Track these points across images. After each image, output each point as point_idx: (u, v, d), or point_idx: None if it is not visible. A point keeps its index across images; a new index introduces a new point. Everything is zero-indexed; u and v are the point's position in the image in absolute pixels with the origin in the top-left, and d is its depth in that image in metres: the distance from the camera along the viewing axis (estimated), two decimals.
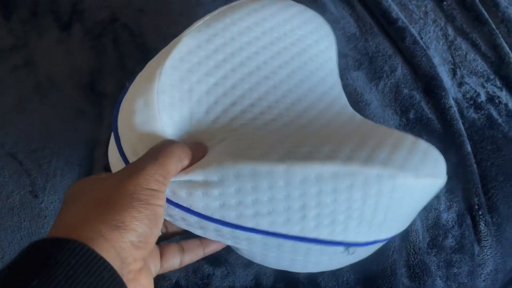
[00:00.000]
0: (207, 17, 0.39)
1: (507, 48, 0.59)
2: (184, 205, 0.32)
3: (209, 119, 0.36)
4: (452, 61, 0.59)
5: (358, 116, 0.42)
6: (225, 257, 0.46)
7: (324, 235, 0.33)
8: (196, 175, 0.31)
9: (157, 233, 0.28)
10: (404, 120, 0.54)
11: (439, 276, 0.47)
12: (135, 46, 0.57)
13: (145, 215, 0.26)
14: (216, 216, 0.32)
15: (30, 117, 0.52)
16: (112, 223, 0.25)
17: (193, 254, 0.36)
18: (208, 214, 0.32)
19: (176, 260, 0.35)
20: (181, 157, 0.31)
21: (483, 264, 0.48)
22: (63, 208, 0.28)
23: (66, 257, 0.22)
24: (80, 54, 0.56)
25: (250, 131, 0.36)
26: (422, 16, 0.62)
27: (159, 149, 0.30)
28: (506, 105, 0.56)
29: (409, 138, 0.36)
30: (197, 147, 0.34)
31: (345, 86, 0.55)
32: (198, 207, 0.32)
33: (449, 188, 0.50)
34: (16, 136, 0.50)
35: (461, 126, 0.54)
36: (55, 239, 0.23)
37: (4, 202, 0.47)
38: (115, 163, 0.35)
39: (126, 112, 0.33)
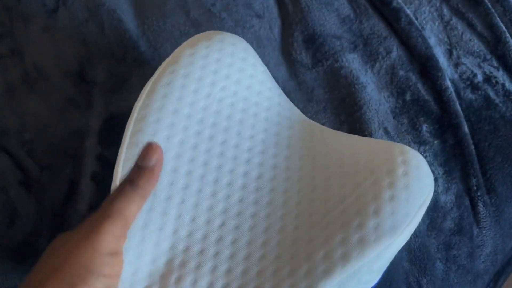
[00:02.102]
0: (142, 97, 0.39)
1: (503, 28, 0.58)
2: None
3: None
4: (448, 42, 0.58)
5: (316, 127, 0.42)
6: None
7: None
8: None
9: None
10: (400, 102, 0.53)
11: (439, 259, 0.46)
12: (124, 32, 0.55)
13: None
14: None
15: (19, 108, 0.50)
16: None
17: None
18: None
19: None
20: (142, 195, 0.30)
21: (482, 245, 0.48)
22: (34, 269, 0.28)
23: None
24: (67, 42, 0.54)
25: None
26: None
27: (117, 194, 0.30)
28: (503, 85, 0.55)
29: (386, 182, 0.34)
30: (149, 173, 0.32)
31: (340, 68, 0.54)
32: None
33: (446, 170, 0.50)
34: (5, 127, 0.49)
35: (458, 107, 0.53)
36: None
37: None
38: None
39: None
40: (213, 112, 0.39)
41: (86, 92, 0.52)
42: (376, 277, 0.34)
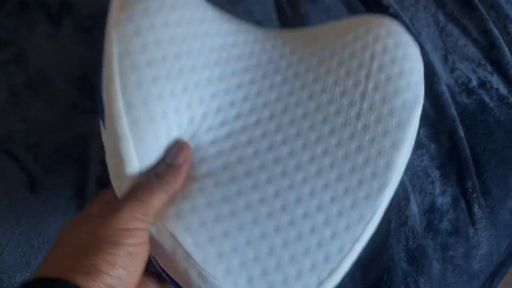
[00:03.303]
0: None
1: (497, 33, 0.60)
2: None
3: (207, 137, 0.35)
4: (444, 47, 0.60)
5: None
6: None
7: None
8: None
9: (137, 273, 0.29)
10: None
11: (436, 259, 0.48)
12: None
13: (118, 256, 0.27)
14: None
15: (24, 113, 0.51)
16: (84, 269, 0.26)
17: None
18: None
19: None
20: (166, 190, 0.31)
21: (477, 246, 0.49)
22: (50, 251, 0.29)
23: None
24: (71, 48, 0.55)
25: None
26: (413, 3, 0.62)
27: (142, 184, 0.31)
28: (497, 89, 0.57)
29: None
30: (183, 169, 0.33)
31: None
32: None
33: (443, 173, 0.51)
34: (11, 132, 0.50)
35: (454, 111, 0.54)
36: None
37: (1, 199, 0.47)
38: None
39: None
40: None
41: (89, 97, 0.53)
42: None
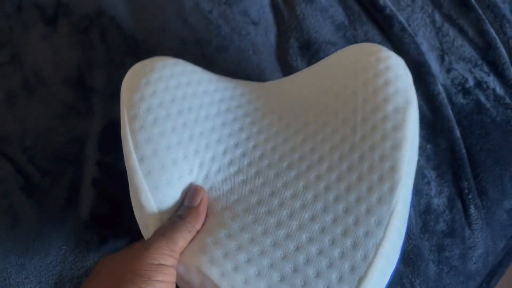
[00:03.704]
0: None
1: (494, 33, 0.60)
2: None
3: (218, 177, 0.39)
4: (440, 48, 0.60)
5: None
6: None
7: None
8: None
9: None
10: None
11: (432, 260, 0.47)
12: (123, 39, 0.56)
13: None
14: None
15: (19, 114, 0.51)
16: None
17: None
18: None
19: None
20: (189, 229, 0.35)
21: (473, 246, 0.49)
22: (88, 280, 0.31)
23: None
24: (67, 49, 0.55)
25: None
26: (409, 3, 0.62)
27: (167, 224, 0.34)
28: (493, 90, 0.57)
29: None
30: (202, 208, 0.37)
31: None
32: None
33: (439, 173, 0.51)
34: (6, 133, 0.50)
35: (450, 112, 0.54)
36: None
37: None
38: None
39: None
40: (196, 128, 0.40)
41: (85, 99, 0.53)
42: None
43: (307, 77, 0.44)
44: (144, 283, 0.29)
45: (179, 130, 0.38)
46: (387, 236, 0.33)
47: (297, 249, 0.34)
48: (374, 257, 0.33)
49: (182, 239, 0.34)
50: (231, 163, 0.39)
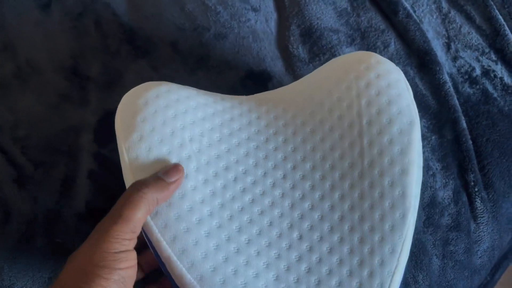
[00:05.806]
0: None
1: (502, 20, 0.58)
2: None
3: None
4: (446, 35, 0.58)
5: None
6: None
7: None
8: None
9: None
10: None
11: (435, 255, 0.46)
12: (118, 26, 0.54)
13: (113, 281, 0.29)
14: None
15: (12, 104, 0.50)
16: None
17: None
18: None
19: None
20: (149, 201, 0.33)
21: (479, 241, 0.48)
22: (57, 280, 0.31)
23: None
24: (60, 36, 0.54)
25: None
26: None
27: (124, 201, 0.32)
28: (501, 79, 0.55)
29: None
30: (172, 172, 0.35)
31: None
32: None
33: (444, 165, 0.50)
34: None
35: (456, 101, 0.53)
36: None
37: None
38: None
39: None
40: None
41: (80, 88, 0.51)
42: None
43: (299, 90, 0.44)
44: (109, 274, 0.29)
45: (184, 162, 0.37)
46: (400, 264, 0.34)
47: (319, 283, 0.35)
48: (389, 285, 0.34)
49: (142, 215, 0.32)
50: (243, 191, 0.38)
